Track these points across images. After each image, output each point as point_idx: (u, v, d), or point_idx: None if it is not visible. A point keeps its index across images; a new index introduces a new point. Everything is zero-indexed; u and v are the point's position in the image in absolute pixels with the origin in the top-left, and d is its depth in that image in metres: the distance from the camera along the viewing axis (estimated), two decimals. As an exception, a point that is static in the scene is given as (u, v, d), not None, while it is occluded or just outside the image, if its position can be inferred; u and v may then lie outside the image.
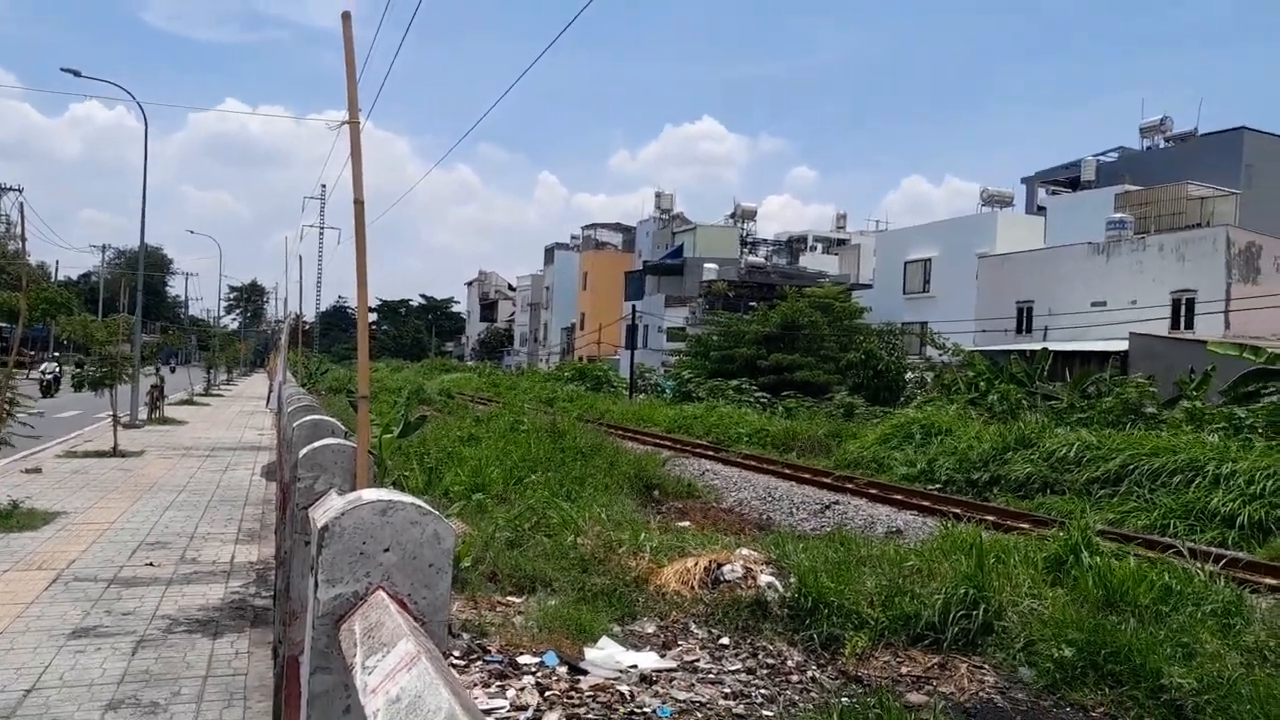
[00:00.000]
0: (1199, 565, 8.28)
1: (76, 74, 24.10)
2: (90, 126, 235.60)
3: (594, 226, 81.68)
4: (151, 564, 7.98)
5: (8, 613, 6.32)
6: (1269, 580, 9.12)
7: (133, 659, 5.53)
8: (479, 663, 5.82)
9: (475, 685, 5.46)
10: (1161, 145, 46.83)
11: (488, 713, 5.05)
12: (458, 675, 5.43)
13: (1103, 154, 48.69)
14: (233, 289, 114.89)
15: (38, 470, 13.14)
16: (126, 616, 6.40)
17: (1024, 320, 35.25)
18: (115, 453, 15.52)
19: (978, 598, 7.03)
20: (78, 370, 16.76)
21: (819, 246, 64.61)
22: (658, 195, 68.42)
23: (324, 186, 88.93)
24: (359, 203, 3.88)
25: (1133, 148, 48.80)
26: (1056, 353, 26.56)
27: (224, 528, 9.85)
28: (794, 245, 65.71)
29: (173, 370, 41.30)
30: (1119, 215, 33.80)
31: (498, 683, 5.52)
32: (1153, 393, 19.96)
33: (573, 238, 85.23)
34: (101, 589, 7.08)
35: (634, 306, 47.01)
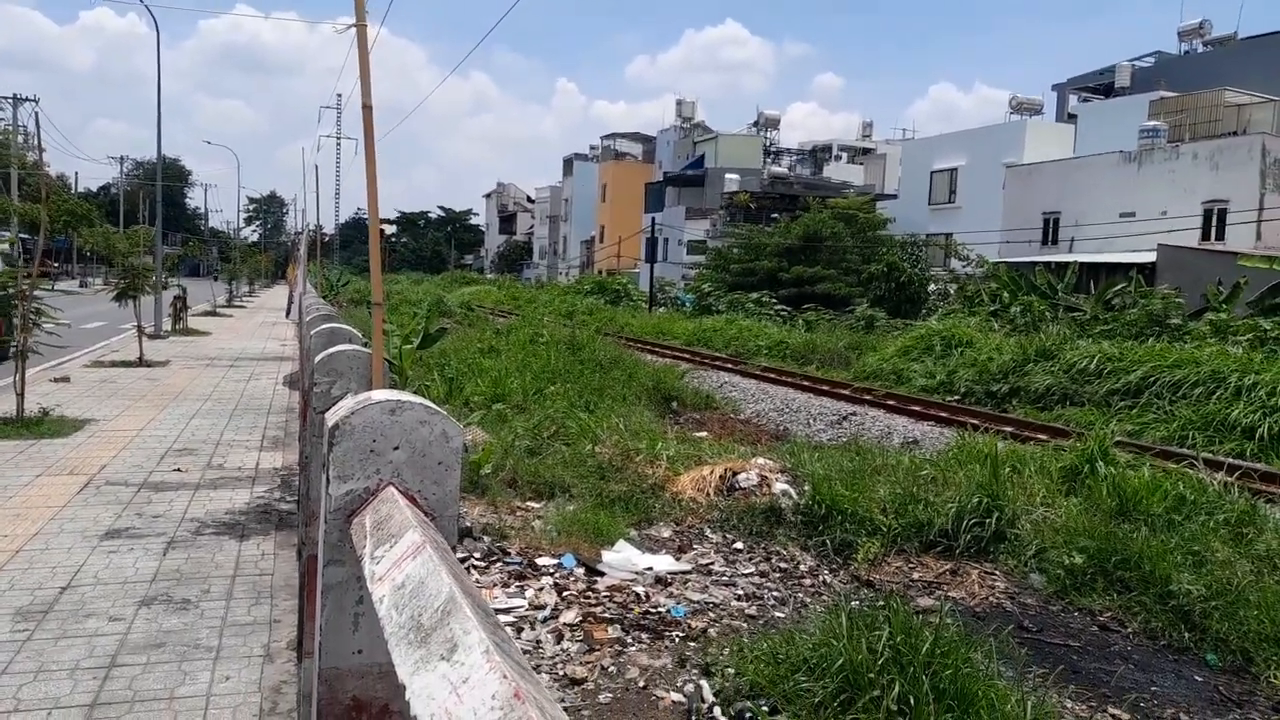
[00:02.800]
0: (1214, 476, 8.30)
1: (86, -21, 23.67)
2: (101, 35, 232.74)
3: (613, 136, 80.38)
4: (179, 470, 8.17)
5: (42, 515, 6.51)
6: (1285, 491, 9.12)
7: (164, 559, 5.71)
8: (499, 564, 5.97)
9: (495, 585, 5.61)
10: (1200, 49, 45.22)
11: (507, 611, 5.20)
12: (477, 575, 5.59)
13: (1138, 59, 47.08)
14: (252, 200, 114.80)
15: (66, 379, 13.38)
16: (156, 519, 6.59)
17: (1050, 231, 34.66)
18: (141, 363, 15.75)
19: (991, 506, 7.10)
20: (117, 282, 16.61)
21: (844, 156, 63.42)
22: (678, 103, 67.03)
23: (339, 96, 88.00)
24: (367, 108, 3.83)
25: (1170, 52, 47.17)
26: (1082, 264, 26.19)
27: (248, 435, 10.04)
28: (818, 155, 64.54)
29: (215, 279, 41.06)
30: (1152, 123, 32.83)
31: (517, 583, 5.67)
32: (1178, 304, 19.70)
33: (592, 148, 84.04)
34: (132, 493, 7.27)
35: (654, 219, 46.57)
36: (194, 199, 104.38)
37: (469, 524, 6.60)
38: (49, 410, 10.15)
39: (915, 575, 6.62)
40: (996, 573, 6.69)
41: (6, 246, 17.74)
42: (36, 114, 34.79)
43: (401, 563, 1.40)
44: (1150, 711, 4.79)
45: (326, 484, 1.80)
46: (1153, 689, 5.04)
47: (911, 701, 3.92)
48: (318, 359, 3.95)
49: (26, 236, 19.41)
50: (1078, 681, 5.01)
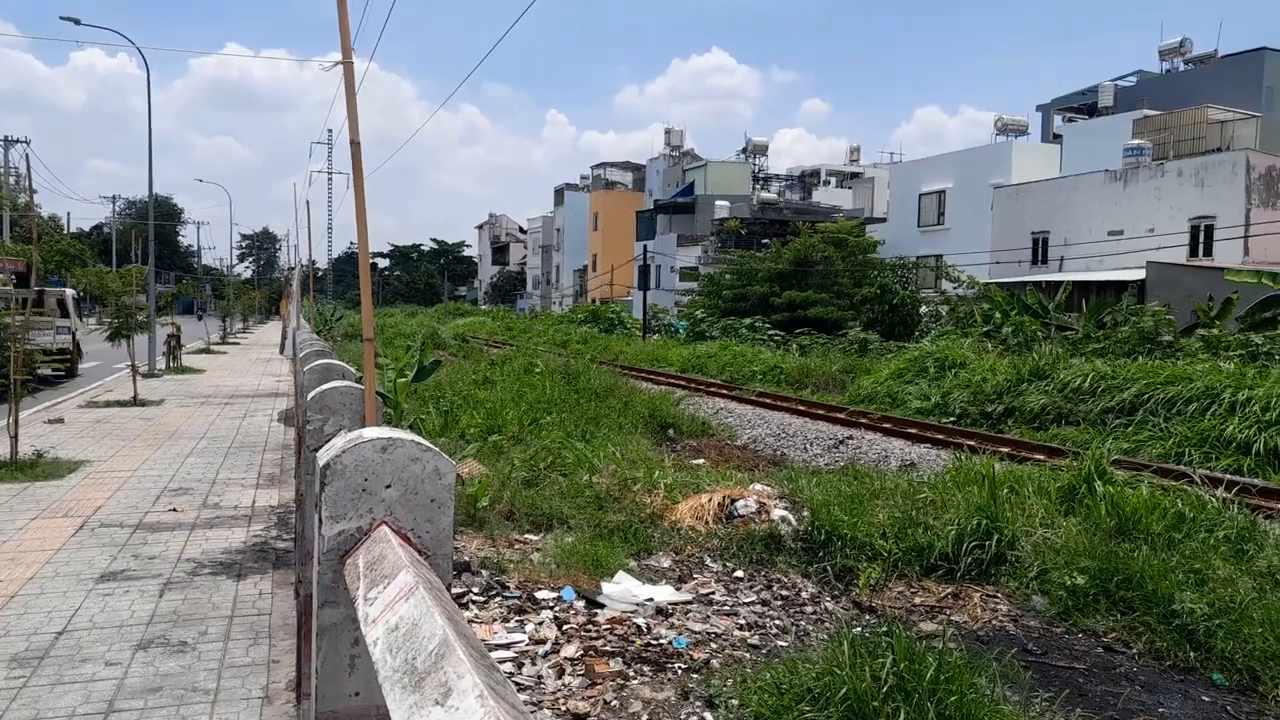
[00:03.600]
0: (1212, 492, 8.29)
1: (76, 22, 23.87)
2: (92, 76, 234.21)
3: (603, 166, 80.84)
4: (175, 509, 8.11)
5: (37, 559, 6.45)
6: (1284, 505, 9.11)
7: (160, 601, 5.65)
8: (498, 599, 5.92)
9: (495, 620, 5.56)
10: (1181, 68, 45.70)
11: (507, 646, 5.15)
12: (476, 610, 5.54)
13: (1121, 78, 47.57)
14: (244, 237, 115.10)
15: (60, 420, 13.32)
16: (152, 560, 6.53)
17: (1039, 251, 34.86)
18: (135, 402, 15.69)
19: (991, 528, 7.07)
20: (110, 321, 16.81)
21: (832, 180, 63.80)
22: (667, 132, 67.53)
23: (330, 131, 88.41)
24: (355, 144, 3.85)
25: (1152, 71, 47.68)
26: (1073, 283, 26.32)
27: (244, 473, 9.98)
28: (807, 180, 64.91)
29: (200, 318, 41.01)
30: (1136, 141, 33.13)
31: (516, 617, 5.62)
32: (1169, 321, 19.78)
33: (582, 178, 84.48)
34: (127, 534, 7.21)
35: (645, 246, 46.72)
36: (186, 237, 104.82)
37: (467, 558, 6.55)
38: (43, 452, 10.09)
39: (917, 600, 6.58)
40: (998, 595, 6.65)
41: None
42: (27, 155, 34.94)
43: (395, 605, 1.38)
44: (1157, 733, 4.75)
45: (319, 524, 1.78)
46: (1160, 710, 4.99)
47: (916, 729, 3.88)
48: (310, 396, 3.94)
49: (17, 275, 19.39)
50: (1084, 704, 4.96)
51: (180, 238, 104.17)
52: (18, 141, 40.80)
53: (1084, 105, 47.44)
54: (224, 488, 9.17)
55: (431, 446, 1.77)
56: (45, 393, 12.77)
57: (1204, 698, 5.16)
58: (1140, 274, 26.35)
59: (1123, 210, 31.73)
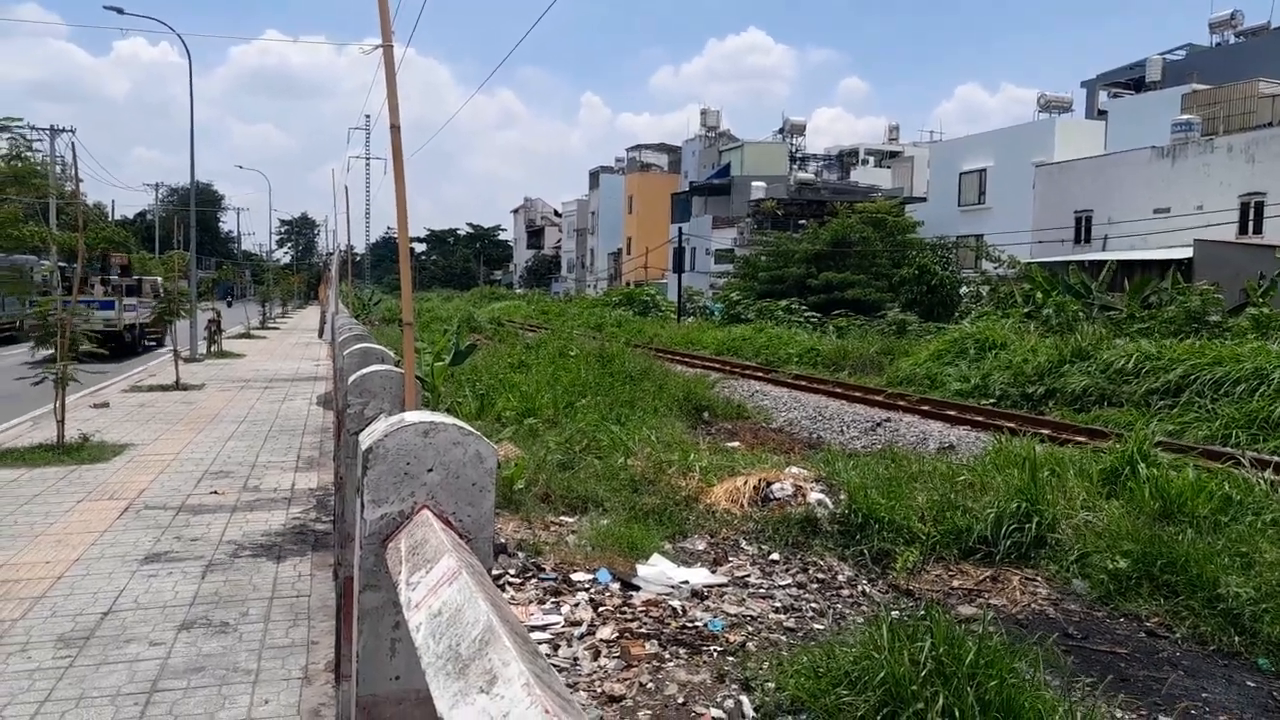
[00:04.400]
0: (1260, 475, 8.12)
1: (119, 11, 24.16)
2: (135, 65, 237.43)
3: (638, 148, 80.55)
4: (216, 492, 8.25)
5: (83, 540, 6.60)
6: (1335, 489, 8.90)
7: (202, 582, 5.75)
8: (534, 580, 5.96)
9: (531, 602, 5.60)
10: (1232, 41, 44.57)
11: (543, 628, 5.19)
12: (512, 592, 5.58)
13: (1169, 52, 46.50)
14: (283, 222, 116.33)
15: (105, 405, 13.59)
16: (195, 542, 6.65)
17: (1082, 230, 34.25)
18: (177, 386, 15.96)
19: (1031, 511, 6.99)
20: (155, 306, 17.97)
21: (871, 160, 63.10)
22: (703, 113, 67.09)
23: (368, 117, 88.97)
24: (395, 128, 3.85)
25: (1201, 45, 46.54)
26: (1117, 263, 25.83)
27: (284, 456, 10.12)
28: (845, 160, 64.27)
29: (229, 304, 41.87)
30: (1185, 116, 32.37)
31: (552, 599, 5.65)
32: (1218, 300, 19.35)
33: (617, 160, 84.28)
34: (170, 517, 7.35)
35: (680, 229, 46.58)
36: (227, 223, 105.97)
37: (503, 540, 6.59)
38: (89, 436, 10.30)
39: (955, 583, 6.53)
40: (1038, 579, 6.58)
41: (45, 273, 18.05)
42: (73, 144, 35.49)
43: (438, 589, 1.38)
44: (1202, 719, 4.68)
45: (361, 508, 1.79)
46: (1204, 696, 4.91)
47: (956, 714, 3.85)
48: (350, 380, 3.97)
49: (64, 265, 19.77)
50: (1126, 690, 4.90)
51: (221, 224, 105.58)
52: (64, 131, 41.45)
53: (1131, 80, 46.46)
54: (264, 471, 9.30)
55: (473, 430, 1.78)
56: (91, 378, 13.04)
57: (1249, 683, 5.07)
58: (1187, 252, 25.79)
59: (1170, 187, 31.06)
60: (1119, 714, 4.58)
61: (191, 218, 24.74)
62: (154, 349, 24.92)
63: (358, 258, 76.91)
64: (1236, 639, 5.46)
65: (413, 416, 1.85)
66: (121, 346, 20.99)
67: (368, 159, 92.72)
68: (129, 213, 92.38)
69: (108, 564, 6.06)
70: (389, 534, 1.76)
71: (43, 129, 38.53)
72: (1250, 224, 28.99)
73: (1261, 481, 7.89)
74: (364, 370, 3.96)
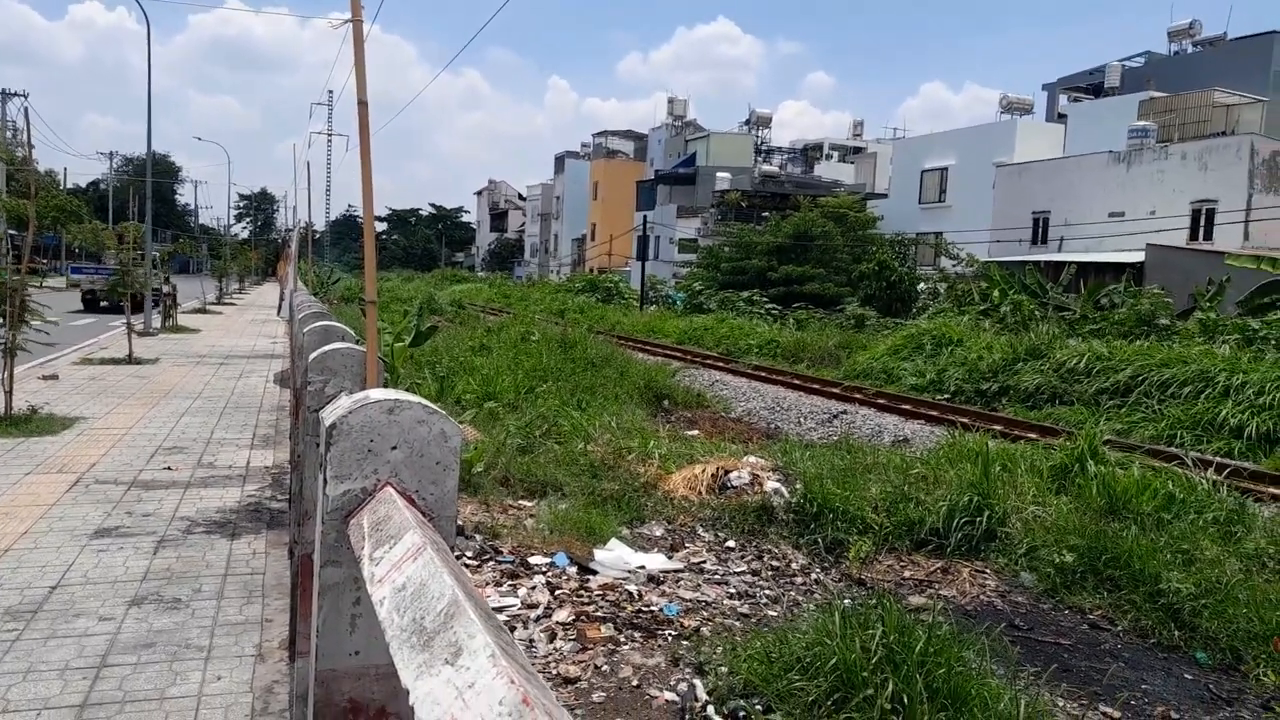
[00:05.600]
0: (1203, 474, 8.35)
1: (75, -26, 23.51)
2: (91, 29, 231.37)
3: (605, 134, 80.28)
4: (169, 468, 8.13)
5: (31, 514, 6.47)
6: (1272, 490, 9.19)
7: (154, 558, 5.68)
8: (491, 563, 5.96)
9: (488, 584, 5.60)
10: (1189, 50, 45.43)
11: (499, 609, 5.19)
12: (471, 574, 5.57)
13: (1128, 59, 47.28)
14: (242, 197, 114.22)
15: (54, 377, 13.30)
16: (146, 518, 6.55)
17: (1040, 231, 34.79)
18: (130, 360, 15.66)
19: (982, 505, 7.13)
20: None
21: (835, 155, 63.48)
22: (670, 101, 67.05)
23: (331, 92, 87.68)
24: (363, 104, 3.82)
25: (1160, 53, 47.38)
26: (1072, 264, 26.29)
27: (239, 434, 9.99)
28: (809, 154, 64.57)
29: (168, 281, 38.51)
30: (1141, 123, 32.96)
31: (509, 582, 5.66)
32: (1167, 304, 19.80)
33: (583, 146, 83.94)
34: (121, 491, 7.23)
35: (645, 217, 46.54)
36: (184, 195, 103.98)
37: (461, 522, 6.58)
38: (37, 408, 10.09)
39: (907, 574, 6.64)
40: (987, 571, 6.72)
41: None
42: (26, 109, 34.59)
43: (402, 564, 1.39)
44: (1141, 709, 4.82)
45: (323, 484, 1.79)
46: (1143, 687, 5.06)
47: (905, 700, 3.93)
48: (311, 357, 3.93)
49: (14, 233, 19.29)
50: (1069, 680, 5.03)
51: (178, 196, 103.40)
52: (16, 95, 40.35)
53: (1090, 85, 47.20)
54: (219, 447, 9.19)
55: (438, 409, 1.78)
56: (40, 349, 12.75)
57: (1186, 675, 5.23)
58: (1140, 256, 26.33)
59: (1125, 192, 31.65)
60: (1061, 703, 4.70)
61: (148, 188, 24.22)
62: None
63: (317, 235, 75.86)
64: (1176, 633, 5.63)
65: (377, 394, 1.85)
66: None
67: (330, 135, 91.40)
68: (82, 181, 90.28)
69: (56, 538, 5.96)
70: (351, 510, 1.76)
71: (-6, 92, 37.48)
72: (1201, 230, 29.65)
73: (1204, 481, 8.12)
74: (325, 348, 3.93)
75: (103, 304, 28.75)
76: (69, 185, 69.90)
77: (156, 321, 23.39)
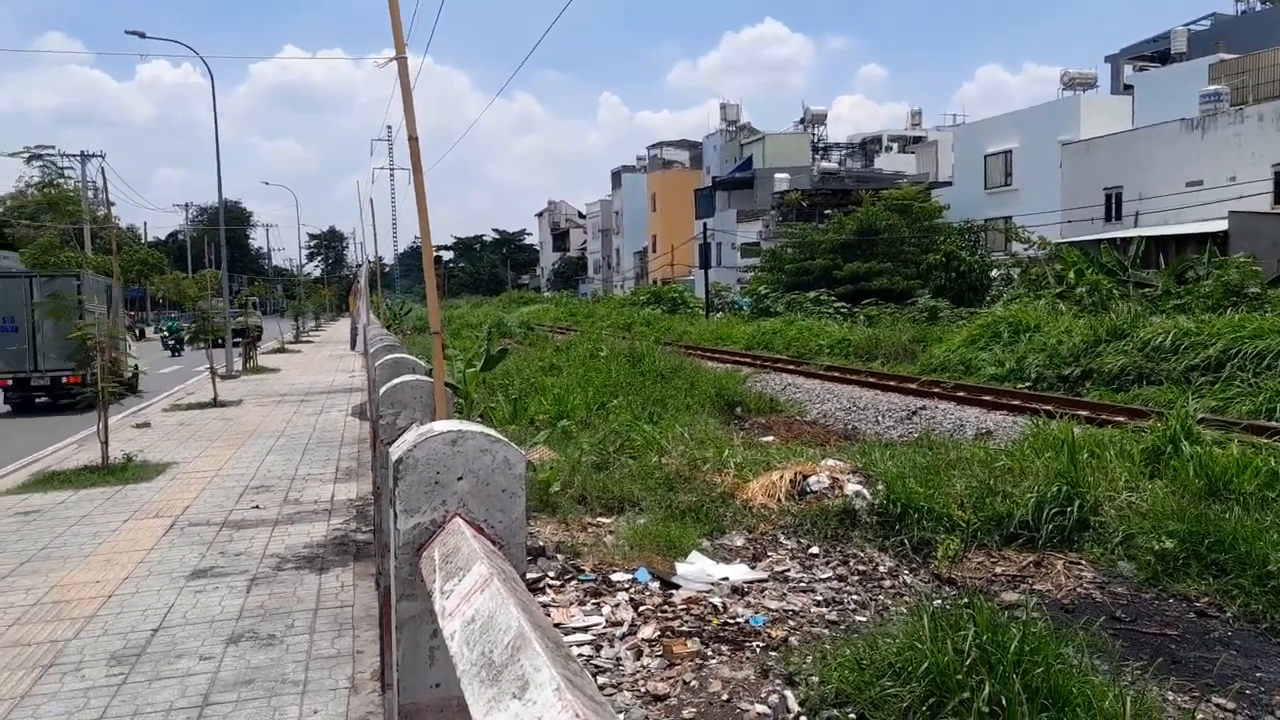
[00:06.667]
0: (1308, 448, 7.95)
1: (141, 35, 24.55)
2: (158, 87, 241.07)
3: (659, 145, 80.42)
4: (258, 507, 8.36)
5: (131, 559, 6.71)
6: (1386, 459, 8.70)
7: (248, 596, 5.83)
8: (574, 582, 5.97)
9: (571, 604, 5.61)
10: (1258, 8, 43.68)
11: (584, 629, 5.20)
12: (552, 595, 5.59)
13: (1194, 22, 45.69)
14: (312, 237, 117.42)
15: (147, 424, 13.81)
16: (239, 557, 6.74)
17: (1113, 207, 33.73)
18: (215, 403, 16.18)
19: (1072, 494, 6.90)
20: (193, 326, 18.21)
21: (894, 146, 62.54)
22: (722, 107, 66.84)
23: (389, 128, 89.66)
24: (413, 139, 3.88)
25: (1227, 13, 45.65)
26: (1150, 239, 25.42)
27: (322, 468, 10.23)
28: (868, 147, 63.75)
29: (176, 352, 35.87)
30: (1213, 87, 31.76)
31: (593, 600, 5.66)
32: (1256, 272, 18.99)
33: (638, 159, 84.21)
34: (214, 532, 7.45)
35: (705, 224, 46.49)
36: (257, 239, 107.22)
37: (541, 543, 6.62)
38: (132, 456, 10.48)
39: (998, 570, 6.46)
40: (1083, 562, 6.49)
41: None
42: (103, 169, 36.13)
43: (470, 596, 1.39)
44: (1257, 699, 4.59)
45: (394, 519, 1.81)
46: (1258, 675, 4.83)
47: (1003, 702, 3.81)
48: (382, 391, 4.00)
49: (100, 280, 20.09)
50: (1178, 672, 4.82)
51: (250, 240, 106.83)
52: (93, 156, 42.17)
53: (1156, 53, 45.68)
54: (303, 483, 9.41)
55: (500, 437, 1.78)
56: (130, 399, 13.35)
57: (1306, 662, 4.97)
58: (1222, 225, 25.32)
59: (1201, 159, 30.50)
60: (1171, 696, 4.51)
61: (221, 236, 25.06)
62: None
63: (387, 268, 77.52)
64: (1289, 616, 5.36)
65: (440, 426, 1.86)
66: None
67: (391, 170, 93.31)
68: (160, 234, 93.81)
69: (155, 581, 6.16)
70: (422, 543, 1.78)
71: (73, 155, 39.28)
72: (1286, 193, 28.40)
73: (1309, 455, 7.73)
74: (395, 381, 3.99)
75: (180, 349, 29.73)
76: (149, 239, 72.73)
77: (238, 364, 24.15)
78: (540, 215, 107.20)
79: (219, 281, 24.84)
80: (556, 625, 5.11)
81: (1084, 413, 11.76)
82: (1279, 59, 32.21)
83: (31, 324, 16.10)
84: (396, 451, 1.84)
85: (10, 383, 16.31)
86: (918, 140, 60.67)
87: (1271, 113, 29.12)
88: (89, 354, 10.75)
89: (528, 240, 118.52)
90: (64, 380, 15.91)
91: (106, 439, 10.12)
